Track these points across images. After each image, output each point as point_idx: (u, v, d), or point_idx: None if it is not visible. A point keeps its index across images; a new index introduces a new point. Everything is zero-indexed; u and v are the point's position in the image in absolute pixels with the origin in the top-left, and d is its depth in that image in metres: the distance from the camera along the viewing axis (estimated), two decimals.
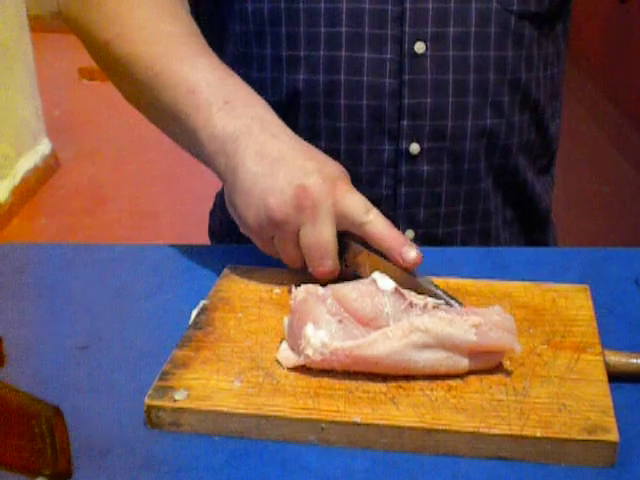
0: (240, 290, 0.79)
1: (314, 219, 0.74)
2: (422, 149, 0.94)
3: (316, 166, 0.76)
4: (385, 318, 0.68)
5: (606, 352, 0.69)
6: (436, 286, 0.74)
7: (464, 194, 0.97)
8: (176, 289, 0.83)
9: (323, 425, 0.62)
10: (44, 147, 3.21)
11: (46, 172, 3.16)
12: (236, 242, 0.97)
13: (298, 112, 0.94)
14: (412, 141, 0.94)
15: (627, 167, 3.13)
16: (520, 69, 0.94)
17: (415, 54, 0.91)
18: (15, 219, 2.88)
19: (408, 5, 0.90)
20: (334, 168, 0.78)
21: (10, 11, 2.96)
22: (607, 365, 0.68)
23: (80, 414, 0.64)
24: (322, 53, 0.92)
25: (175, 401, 0.64)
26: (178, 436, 0.64)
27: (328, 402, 0.63)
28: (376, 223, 0.75)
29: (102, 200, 3.04)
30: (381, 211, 0.84)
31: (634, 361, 0.68)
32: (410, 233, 0.97)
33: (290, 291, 0.75)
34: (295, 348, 0.68)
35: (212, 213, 1.16)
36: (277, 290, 0.79)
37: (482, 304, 0.76)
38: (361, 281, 0.71)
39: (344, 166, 0.80)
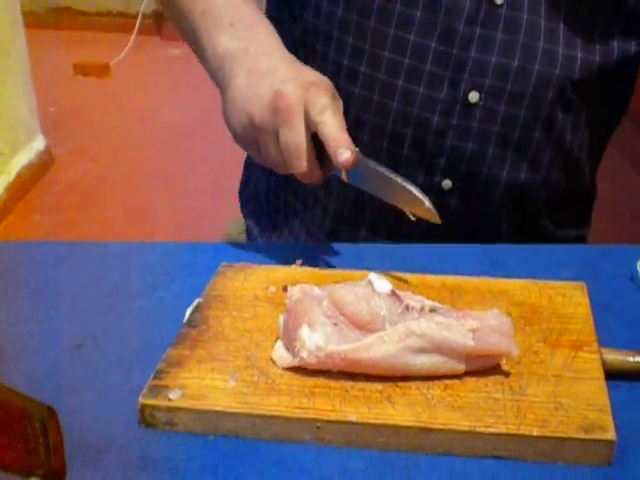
0: (235, 288, 0.79)
1: (288, 121, 0.77)
2: (454, 186, 0.96)
3: (295, 74, 0.80)
4: (381, 321, 0.67)
5: (603, 350, 0.69)
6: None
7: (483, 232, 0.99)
8: (171, 287, 0.83)
9: (319, 424, 0.62)
10: (39, 144, 3.19)
11: (41, 169, 3.15)
12: (266, 213, 1.06)
13: (351, 125, 0.92)
14: (446, 178, 0.95)
15: (624, 164, 3.14)
16: (566, 131, 0.96)
17: (468, 102, 0.92)
18: (10, 216, 2.87)
19: (472, 54, 0.90)
20: (313, 75, 0.81)
21: (4, 7, 2.94)
22: (604, 363, 0.67)
23: (74, 413, 0.63)
24: (380, 76, 0.93)
25: (170, 400, 0.64)
26: (173, 435, 0.63)
27: (324, 401, 0.63)
28: (328, 124, 0.78)
29: (97, 197, 3.02)
30: (410, 238, 0.92)
31: (631, 359, 0.68)
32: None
33: (285, 289, 0.74)
34: (290, 349, 0.67)
35: (242, 188, 1.17)
36: (272, 288, 0.78)
37: (479, 302, 0.76)
38: (357, 284, 0.70)
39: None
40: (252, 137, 0.81)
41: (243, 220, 1.17)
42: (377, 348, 0.65)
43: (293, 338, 0.67)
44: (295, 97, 0.77)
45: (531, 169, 0.96)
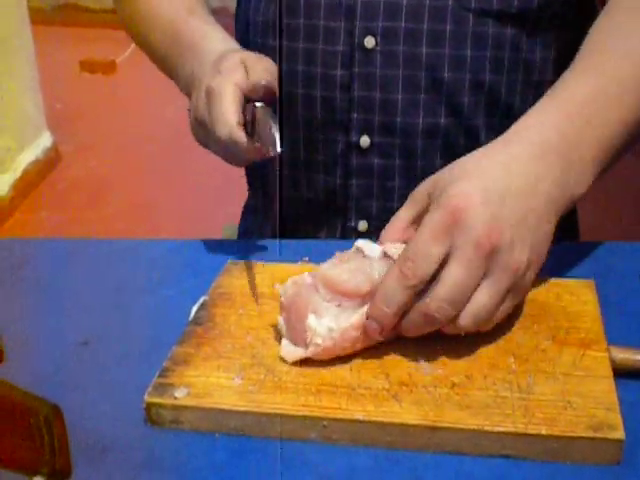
0: (241, 286, 0.78)
1: (215, 101, 0.80)
2: (372, 143, 0.95)
3: (215, 68, 0.83)
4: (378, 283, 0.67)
5: (611, 348, 0.68)
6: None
7: None
8: (176, 284, 0.83)
9: (325, 422, 0.61)
10: (45, 140, 3.20)
11: (47, 165, 3.15)
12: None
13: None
14: (362, 134, 0.94)
15: (633, 160, 3.12)
16: (483, 69, 0.92)
17: (365, 48, 0.91)
18: (16, 212, 2.88)
19: None
20: (228, 61, 0.83)
21: (10, 3, 2.95)
22: (612, 361, 0.67)
23: (79, 411, 0.63)
24: (285, 43, 0.94)
25: (175, 398, 0.63)
26: (178, 434, 0.63)
27: (330, 399, 0.63)
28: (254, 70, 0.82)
29: (103, 193, 3.03)
30: (335, 201, 0.96)
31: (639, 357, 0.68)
32: (363, 224, 0.98)
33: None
34: (299, 342, 0.67)
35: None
36: (278, 286, 0.78)
37: None
38: (346, 254, 0.71)
39: (304, 153, 0.94)
40: (200, 135, 0.86)
41: (237, 225, 1.17)
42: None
43: (301, 330, 0.67)
44: (218, 83, 0.80)
45: (449, 112, 0.93)
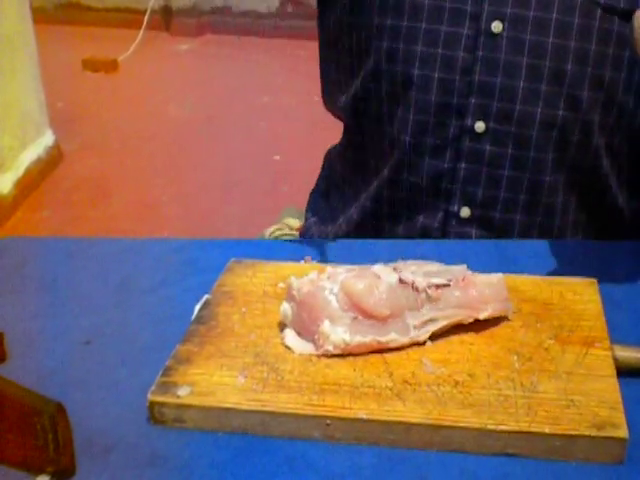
0: (244, 284, 0.78)
1: None
2: (487, 128, 0.94)
3: None
4: (400, 309, 0.69)
5: (614, 347, 0.68)
6: None
7: (527, 183, 0.95)
8: (179, 283, 0.83)
9: (328, 421, 0.61)
10: (47, 139, 3.19)
11: (49, 164, 3.15)
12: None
13: (381, 80, 0.96)
14: (478, 119, 0.94)
15: None
16: (604, 66, 0.92)
17: (491, 33, 0.91)
18: (18, 211, 2.87)
19: None
20: None
21: (13, 3, 2.94)
22: (615, 360, 0.67)
23: (82, 409, 0.63)
24: (404, 23, 0.93)
25: (178, 397, 0.63)
26: (182, 432, 0.63)
27: (333, 398, 0.63)
28: None
29: (106, 192, 3.02)
30: (440, 185, 0.94)
31: None
32: (466, 211, 0.96)
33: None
34: (307, 337, 0.68)
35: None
36: (281, 284, 0.78)
37: None
38: (365, 269, 0.71)
39: (411, 135, 0.93)
40: None
41: (296, 209, 1.17)
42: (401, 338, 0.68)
43: (313, 331, 0.68)
44: None
45: (568, 106, 0.92)
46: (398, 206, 0.99)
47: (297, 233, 1.12)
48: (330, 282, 0.70)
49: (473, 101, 0.93)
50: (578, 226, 0.99)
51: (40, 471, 0.55)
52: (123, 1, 4.78)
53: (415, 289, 0.69)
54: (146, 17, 4.58)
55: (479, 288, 0.71)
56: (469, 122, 0.93)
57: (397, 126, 0.94)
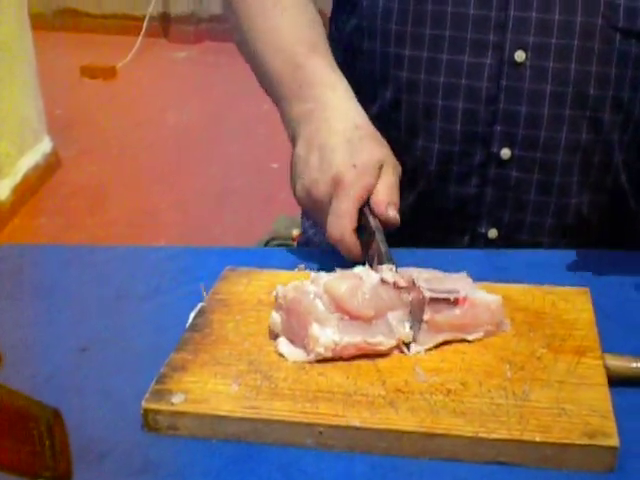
0: (238, 292, 0.79)
1: (337, 200, 0.82)
2: (513, 155, 0.95)
3: (346, 156, 0.83)
4: (383, 309, 0.70)
5: (606, 356, 0.68)
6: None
7: (553, 207, 0.96)
8: (175, 291, 0.83)
9: (321, 429, 0.62)
10: (45, 146, 3.19)
11: (47, 171, 3.15)
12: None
13: (400, 109, 0.96)
14: (504, 146, 0.95)
15: None
16: (623, 88, 0.93)
17: (515, 62, 0.92)
18: (16, 218, 2.88)
19: (512, 13, 0.90)
20: (369, 154, 0.83)
21: (11, 9, 2.95)
22: (607, 369, 0.67)
23: (78, 417, 0.63)
24: (425, 54, 0.94)
25: (172, 404, 0.64)
26: (176, 440, 0.64)
27: (327, 406, 0.63)
28: (383, 181, 0.83)
29: (103, 199, 3.03)
30: (466, 209, 0.96)
31: (634, 365, 0.68)
32: (493, 232, 0.98)
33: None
34: (298, 343, 0.69)
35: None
36: (279, 287, 0.78)
37: None
38: (347, 275, 0.72)
39: (436, 164, 0.95)
40: (307, 204, 0.86)
41: (288, 217, 1.18)
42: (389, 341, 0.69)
43: (302, 336, 0.68)
44: (325, 191, 0.82)
45: (590, 129, 0.93)
46: (420, 228, 1.00)
47: (292, 242, 1.12)
48: (314, 286, 0.71)
49: (499, 129, 0.94)
50: (600, 244, 0.99)
51: (37, 477, 0.55)
52: (121, 8, 4.79)
53: (394, 285, 0.71)
54: (144, 24, 4.59)
55: (479, 310, 0.71)
56: (495, 149, 0.95)
57: (420, 155, 0.96)
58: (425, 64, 0.94)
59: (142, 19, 4.63)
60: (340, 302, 0.69)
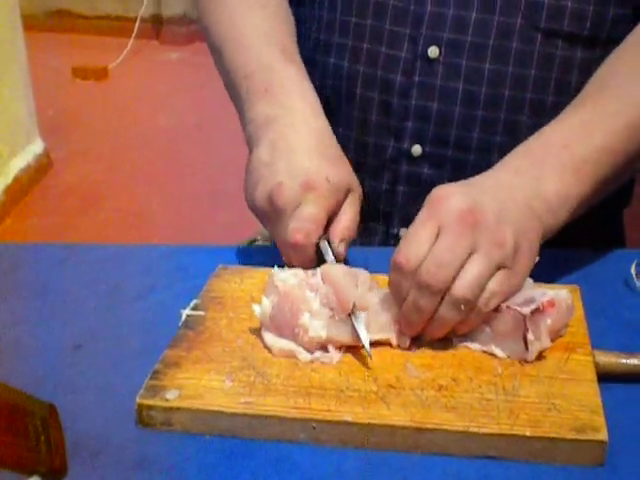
0: (232, 290, 0.79)
1: (307, 205, 0.78)
2: (424, 152, 0.94)
3: (307, 166, 0.79)
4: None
5: (596, 352, 0.69)
6: None
7: None
8: (168, 289, 0.84)
9: (314, 424, 0.62)
10: (37, 147, 3.19)
11: (39, 172, 3.15)
12: None
13: (329, 96, 0.96)
14: (415, 143, 0.94)
15: None
16: (545, 91, 0.91)
17: (428, 58, 0.91)
18: (7, 218, 2.87)
19: (428, 8, 0.90)
20: (330, 169, 0.80)
21: (3, 10, 2.94)
22: (597, 365, 0.68)
23: (72, 413, 0.64)
24: (350, 43, 0.95)
25: (166, 400, 0.64)
26: (170, 435, 0.64)
27: (319, 401, 0.64)
28: (346, 211, 0.81)
29: (95, 200, 3.02)
30: (379, 207, 0.94)
31: (623, 361, 0.69)
32: (405, 232, 0.96)
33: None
34: (285, 331, 0.69)
35: None
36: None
37: None
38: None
39: (354, 154, 0.91)
40: (256, 214, 0.83)
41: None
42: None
43: (293, 324, 0.69)
44: (291, 196, 0.77)
45: (506, 131, 0.92)
46: None
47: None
48: (314, 277, 0.71)
49: (410, 125, 0.94)
50: None
51: (32, 472, 0.55)
52: (113, 9, 4.79)
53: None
54: (136, 25, 4.58)
55: (562, 308, 0.70)
56: (406, 145, 0.94)
57: (340, 142, 0.90)
58: (349, 52, 0.95)
59: (134, 20, 4.63)
60: (335, 288, 0.70)
